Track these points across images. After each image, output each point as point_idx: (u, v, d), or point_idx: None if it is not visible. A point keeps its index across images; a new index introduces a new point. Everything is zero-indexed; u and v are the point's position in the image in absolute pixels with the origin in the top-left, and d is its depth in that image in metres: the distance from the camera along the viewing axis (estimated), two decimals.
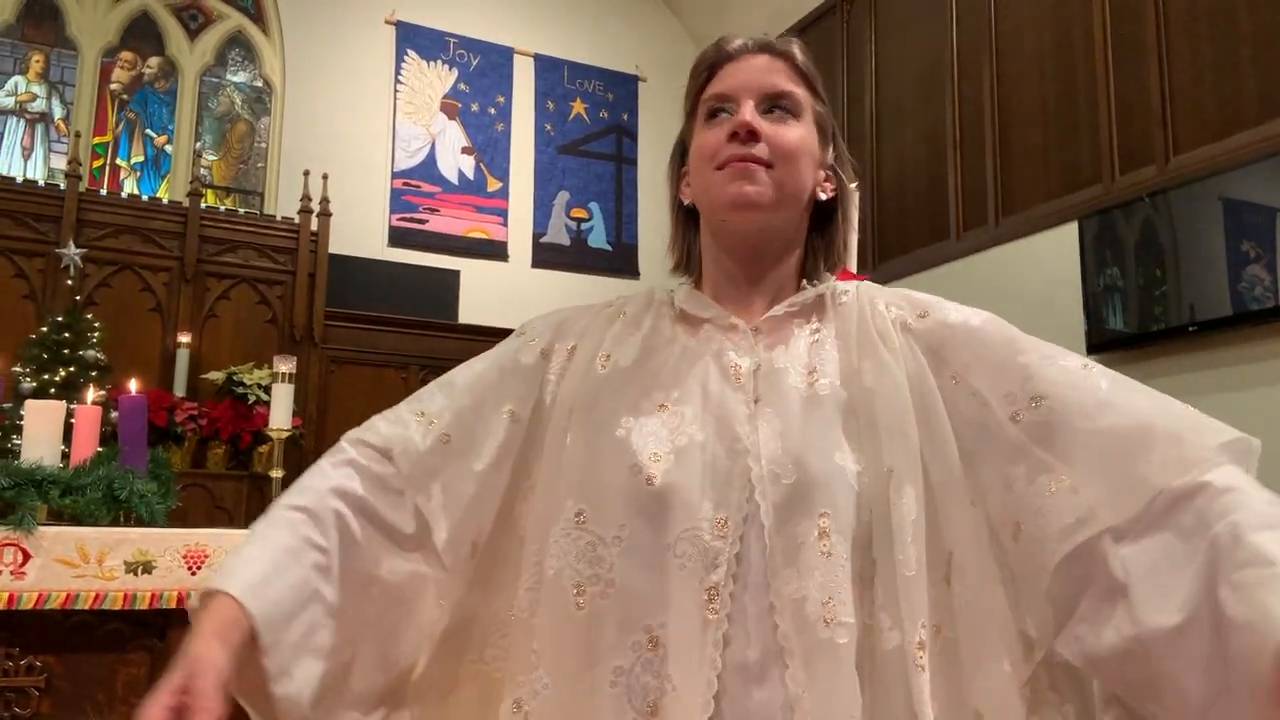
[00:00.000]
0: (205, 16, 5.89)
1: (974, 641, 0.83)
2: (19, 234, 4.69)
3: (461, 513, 0.93)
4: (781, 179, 0.93)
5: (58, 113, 5.51)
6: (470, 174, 6.22)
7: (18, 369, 3.57)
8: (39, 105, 5.49)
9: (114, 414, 3.04)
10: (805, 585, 0.80)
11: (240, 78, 5.92)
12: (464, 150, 6.23)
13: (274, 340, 5.01)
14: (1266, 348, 3.40)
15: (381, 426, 0.96)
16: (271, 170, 5.80)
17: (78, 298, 4.44)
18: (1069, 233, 4.12)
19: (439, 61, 6.23)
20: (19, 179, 5.04)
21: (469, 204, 6.17)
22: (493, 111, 6.34)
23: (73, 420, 2.42)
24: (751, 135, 0.92)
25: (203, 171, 5.65)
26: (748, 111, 0.93)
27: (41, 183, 5.05)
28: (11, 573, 1.98)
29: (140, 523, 2.19)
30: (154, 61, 5.74)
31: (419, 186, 6.04)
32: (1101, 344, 3.92)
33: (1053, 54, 4.38)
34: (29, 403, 2.38)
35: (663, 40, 6.97)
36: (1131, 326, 3.82)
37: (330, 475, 0.92)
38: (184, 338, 4.84)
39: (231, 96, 5.89)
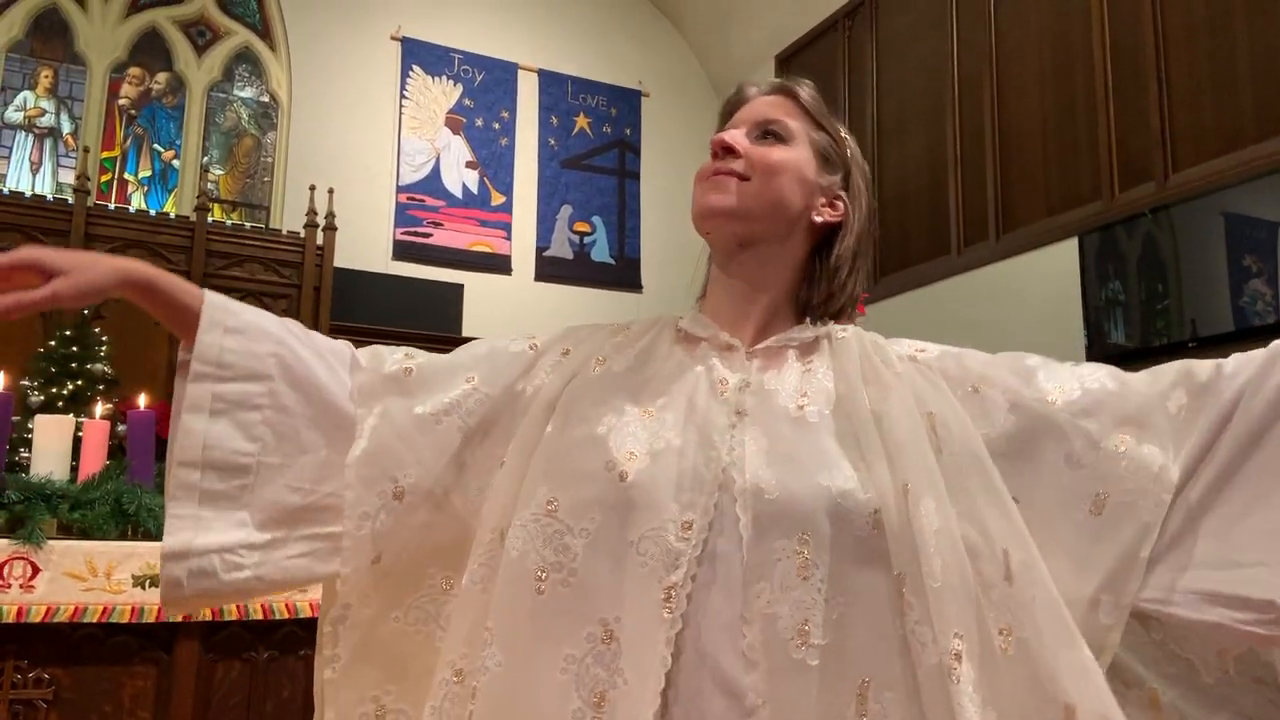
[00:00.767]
0: (213, 33, 5.95)
1: (1049, 635, 0.84)
2: None
3: (387, 440, 0.97)
4: (759, 190, 0.97)
5: (66, 128, 5.56)
6: (474, 188, 6.25)
7: (25, 382, 3.59)
8: (48, 120, 5.54)
9: (120, 428, 3.06)
10: (779, 603, 0.81)
11: (247, 93, 5.97)
12: (468, 164, 6.27)
13: None
14: None
15: (375, 346, 1.05)
16: (278, 185, 5.85)
17: (85, 312, 4.47)
18: (1069, 249, 4.14)
19: (444, 77, 6.28)
20: (28, 193, 5.08)
21: (473, 218, 6.21)
22: (497, 126, 6.39)
23: (81, 434, 2.44)
24: (728, 150, 0.97)
25: (210, 186, 5.69)
26: (728, 133, 0.98)
27: (50, 197, 5.09)
28: (21, 586, 2.00)
29: (148, 536, 2.21)
30: (162, 77, 5.80)
31: (423, 201, 6.08)
32: (1103, 358, 3.93)
33: (1053, 72, 4.42)
34: (38, 418, 2.40)
35: (666, 55, 7.01)
36: (1133, 341, 3.83)
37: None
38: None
39: (238, 111, 5.94)
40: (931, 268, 4.87)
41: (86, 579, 2.06)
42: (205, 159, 5.79)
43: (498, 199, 6.31)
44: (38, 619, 2.00)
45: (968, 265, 4.72)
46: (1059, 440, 0.90)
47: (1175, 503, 0.88)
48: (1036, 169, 4.44)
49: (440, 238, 6.08)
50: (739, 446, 0.88)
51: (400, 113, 6.12)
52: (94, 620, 2.05)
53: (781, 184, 0.97)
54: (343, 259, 5.42)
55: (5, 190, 5.05)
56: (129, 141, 5.65)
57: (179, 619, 2.12)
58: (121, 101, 5.66)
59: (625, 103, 6.82)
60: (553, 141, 6.56)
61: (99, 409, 2.60)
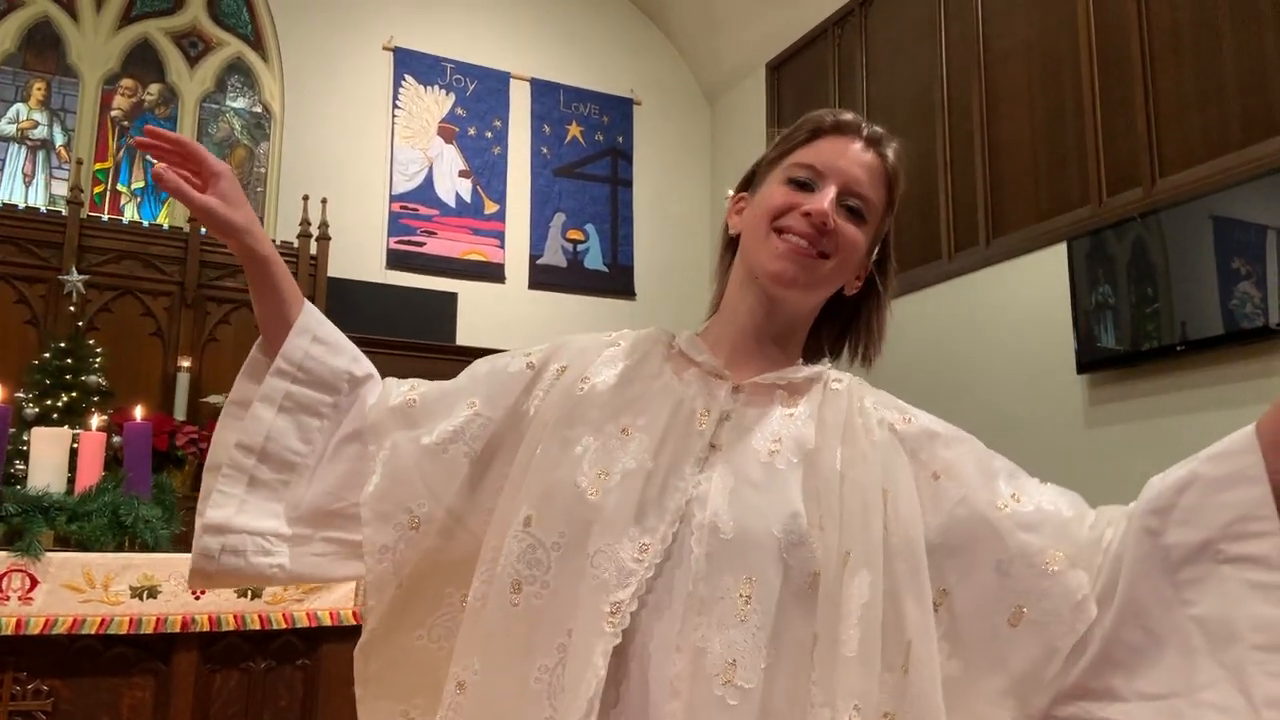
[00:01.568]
0: (205, 44, 5.96)
1: None
2: (21, 260, 4.72)
3: (396, 471, 1.00)
4: (831, 272, 0.98)
5: (59, 140, 5.56)
6: (467, 197, 6.27)
7: (20, 394, 3.59)
8: (40, 132, 5.54)
9: (116, 439, 3.06)
10: (711, 638, 0.84)
11: (240, 104, 5.99)
12: (461, 174, 6.28)
13: None
14: (1258, 366, 3.44)
15: (388, 379, 1.10)
16: (271, 195, 5.85)
17: (79, 323, 4.47)
18: (1058, 254, 4.17)
19: (436, 86, 6.30)
20: (21, 205, 5.08)
21: (466, 227, 6.22)
22: (489, 135, 6.41)
23: (77, 446, 2.45)
24: (825, 228, 0.96)
25: None
26: (828, 201, 0.96)
27: (43, 209, 5.09)
28: (19, 598, 2.01)
29: (145, 548, 2.22)
30: (154, 88, 5.80)
31: (417, 210, 6.10)
32: (1093, 363, 3.96)
33: (1040, 78, 4.45)
34: (35, 430, 2.41)
35: (657, 64, 7.05)
36: (1124, 345, 3.85)
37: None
38: (184, 362, 4.87)
39: (231, 122, 5.95)
40: (922, 273, 4.90)
41: (84, 591, 2.06)
42: None
43: (491, 207, 6.33)
44: (36, 631, 2.01)
45: (958, 270, 4.75)
46: (995, 546, 0.92)
47: (1094, 632, 0.89)
48: (1025, 175, 4.48)
49: (434, 246, 6.09)
50: (705, 481, 0.90)
51: (393, 122, 6.13)
52: (92, 632, 2.05)
53: (849, 266, 1.00)
54: (337, 268, 5.43)
55: None
56: (122, 153, 5.66)
57: (176, 629, 2.12)
58: (114, 113, 5.66)
59: (617, 111, 6.85)
60: (545, 150, 6.58)
61: (95, 421, 2.60)
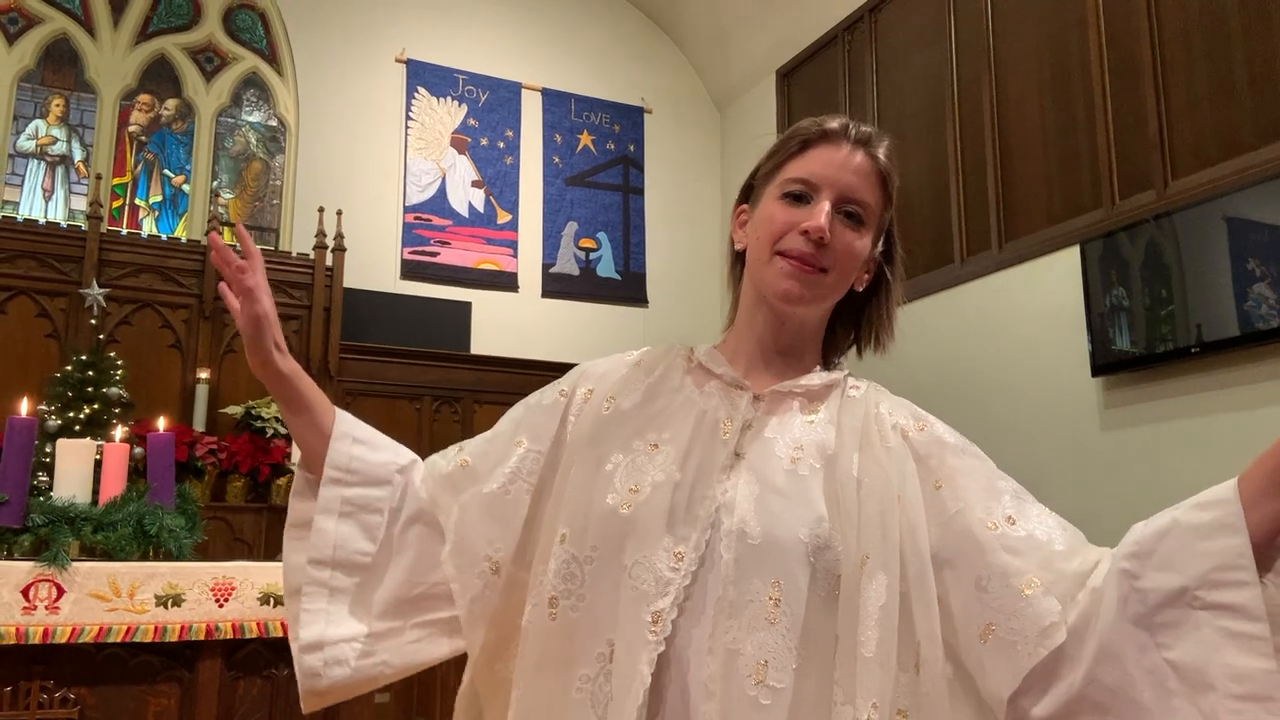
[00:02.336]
0: (220, 59, 6.03)
1: None
2: (42, 274, 4.79)
3: (468, 528, 1.03)
4: (834, 282, 1.01)
5: (78, 155, 5.63)
6: (480, 207, 6.31)
7: (43, 407, 3.64)
8: (59, 148, 5.61)
9: (137, 450, 3.10)
10: (743, 640, 0.86)
11: (255, 117, 6.05)
12: (474, 184, 6.33)
13: None
14: (1274, 367, 3.42)
15: (430, 458, 1.11)
16: (286, 207, 5.91)
17: (100, 336, 4.52)
18: (1072, 257, 4.16)
19: (448, 98, 6.35)
20: (41, 221, 5.15)
21: (479, 236, 6.26)
22: (502, 145, 6.45)
23: (100, 458, 2.48)
24: (822, 242, 0.98)
25: (220, 210, 5.76)
26: (824, 216, 0.98)
27: (63, 224, 5.15)
28: (47, 608, 2.04)
29: (169, 557, 2.25)
30: (171, 103, 5.87)
31: (430, 220, 6.14)
32: (1108, 365, 3.95)
33: (1051, 81, 4.46)
34: (60, 442, 2.44)
35: (667, 72, 7.08)
36: (1139, 347, 3.84)
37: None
38: (203, 373, 4.92)
39: (247, 136, 6.02)
40: (935, 277, 4.90)
41: (110, 599, 2.09)
42: (215, 183, 5.85)
43: (504, 217, 6.37)
44: (63, 639, 2.04)
45: (971, 274, 4.75)
46: (978, 563, 0.94)
47: (1065, 668, 0.90)
48: (1037, 178, 4.48)
49: (447, 256, 6.13)
50: (732, 490, 0.93)
51: (406, 134, 6.18)
52: (118, 640, 2.08)
53: (851, 273, 1.02)
54: (352, 279, 5.47)
55: (19, 218, 5.13)
56: (139, 167, 5.72)
57: (200, 637, 2.15)
58: (132, 128, 5.73)
59: (628, 119, 6.88)
60: (557, 159, 6.62)
61: (119, 432, 2.64)
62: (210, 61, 6.00)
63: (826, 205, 0.99)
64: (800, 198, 1.00)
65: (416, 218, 6.10)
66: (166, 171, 5.77)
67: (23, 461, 2.19)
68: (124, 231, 5.30)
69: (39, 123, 5.57)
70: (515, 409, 1.10)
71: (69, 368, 3.87)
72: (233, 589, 2.19)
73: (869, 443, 0.97)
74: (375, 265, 5.81)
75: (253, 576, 2.22)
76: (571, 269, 6.50)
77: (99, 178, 5.31)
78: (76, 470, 2.35)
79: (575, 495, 0.97)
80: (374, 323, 5.58)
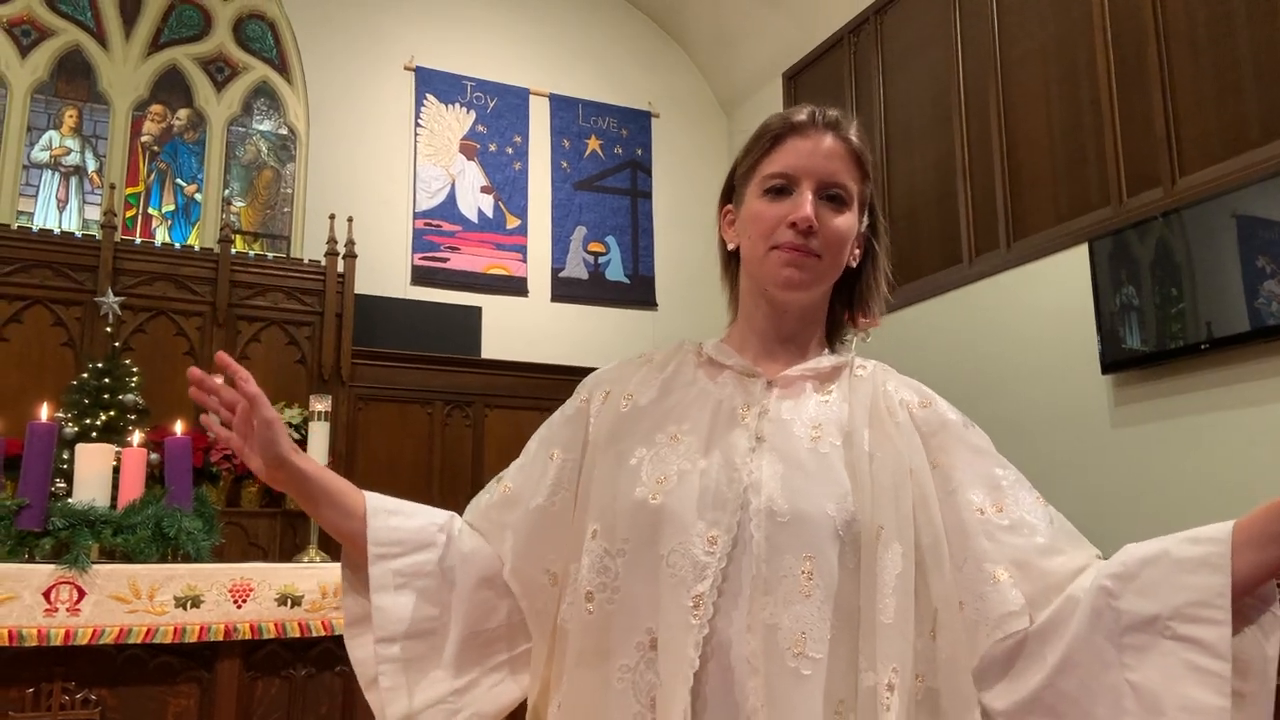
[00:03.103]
0: (231, 68, 6.08)
1: (953, 693, 0.93)
2: (57, 284, 4.83)
3: (524, 545, 1.05)
4: (828, 265, 1.04)
5: (91, 165, 5.69)
6: (489, 212, 6.35)
7: (60, 414, 3.68)
8: (73, 159, 5.67)
9: (154, 456, 3.13)
10: (780, 615, 0.89)
11: (266, 126, 6.10)
12: (483, 189, 6.36)
13: (303, 380, 5.12)
14: None
15: (472, 502, 1.14)
16: (298, 215, 5.95)
17: (115, 344, 4.57)
18: (1080, 255, 4.17)
19: (457, 104, 6.39)
20: (56, 231, 5.20)
21: (489, 241, 6.30)
22: (510, 151, 6.48)
23: (119, 463, 2.52)
24: (811, 231, 1.01)
25: (232, 218, 5.81)
26: (808, 205, 1.01)
27: (77, 234, 5.20)
28: (68, 610, 2.07)
29: (187, 559, 2.28)
30: (183, 113, 5.93)
31: (440, 226, 6.18)
32: (1118, 363, 3.95)
33: (1057, 80, 4.46)
34: (79, 447, 2.47)
35: (674, 76, 7.11)
36: (1149, 345, 3.84)
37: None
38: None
39: (258, 144, 6.07)
40: (944, 277, 4.91)
41: (130, 601, 2.12)
42: (227, 192, 5.90)
43: (513, 222, 6.40)
44: (84, 641, 2.06)
45: (979, 274, 4.75)
46: (958, 544, 0.97)
47: (1030, 667, 0.93)
48: (1045, 176, 4.48)
49: (457, 262, 6.16)
50: (757, 470, 0.96)
51: (415, 140, 6.22)
52: (138, 641, 2.11)
53: (843, 255, 1.05)
54: (363, 285, 5.51)
55: (34, 228, 5.18)
56: (152, 177, 5.78)
57: (219, 638, 2.18)
58: (144, 138, 5.79)
59: (635, 124, 6.91)
60: (565, 164, 6.65)
61: (136, 437, 2.67)
62: (221, 71, 6.05)
63: (809, 194, 1.02)
64: (782, 191, 1.03)
65: (426, 224, 6.14)
66: (179, 181, 5.83)
67: (43, 466, 2.22)
68: (137, 240, 5.35)
69: (53, 134, 5.63)
70: (541, 429, 1.13)
71: (85, 375, 3.92)
72: (250, 590, 2.22)
73: (878, 419, 1.00)
74: (386, 271, 5.85)
75: (270, 578, 2.24)
76: (581, 273, 6.52)
77: (112, 187, 5.36)
78: (96, 474, 2.38)
79: (602, 491, 0.99)
80: (385, 328, 5.62)
